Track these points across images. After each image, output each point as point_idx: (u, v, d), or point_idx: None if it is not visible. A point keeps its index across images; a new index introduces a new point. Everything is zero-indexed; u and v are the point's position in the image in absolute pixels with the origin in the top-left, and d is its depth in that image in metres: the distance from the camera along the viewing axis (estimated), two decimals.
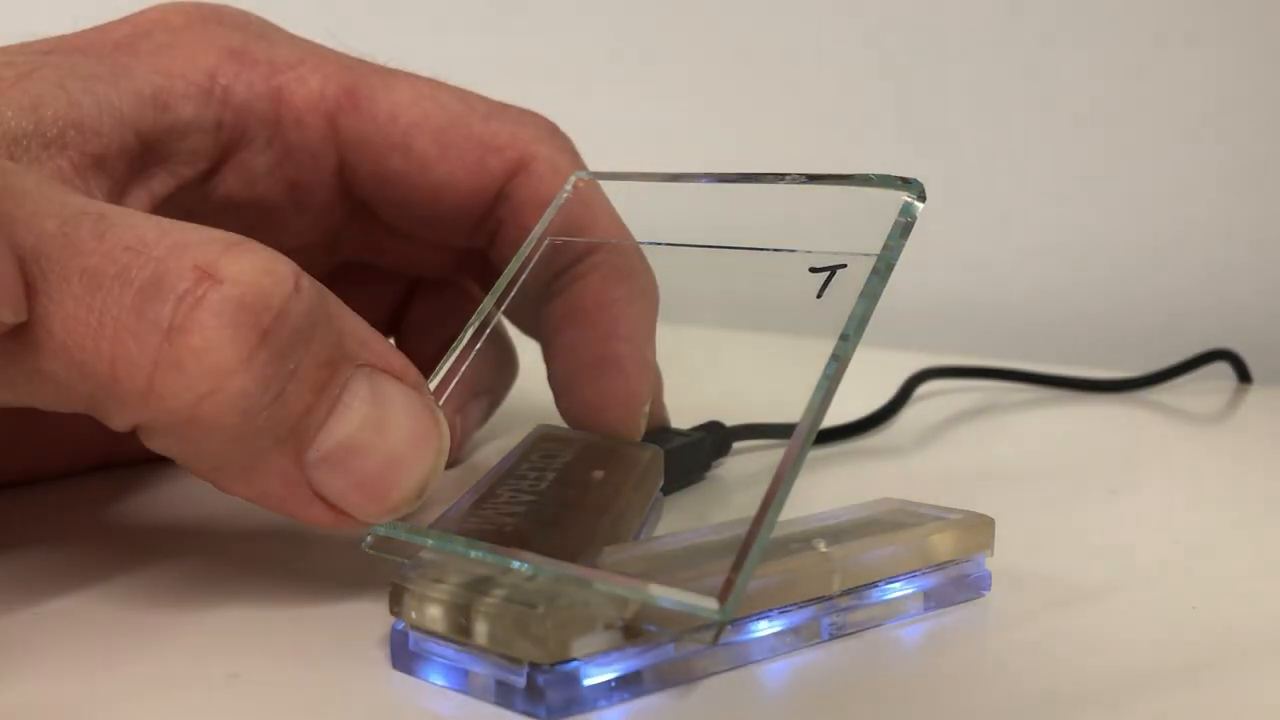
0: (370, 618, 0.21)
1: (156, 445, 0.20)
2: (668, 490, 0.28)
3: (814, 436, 0.19)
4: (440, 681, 0.19)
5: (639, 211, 0.28)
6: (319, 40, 0.29)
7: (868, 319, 0.20)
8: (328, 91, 0.27)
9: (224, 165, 0.27)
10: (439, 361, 0.24)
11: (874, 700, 0.19)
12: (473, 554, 0.19)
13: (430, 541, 0.20)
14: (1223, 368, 0.52)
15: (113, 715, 0.18)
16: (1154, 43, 0.61)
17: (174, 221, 0.20)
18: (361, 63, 0.28)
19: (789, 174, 0.23)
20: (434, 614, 0.19)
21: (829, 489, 0.32)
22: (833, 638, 0.21)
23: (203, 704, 0.18)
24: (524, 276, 0.25)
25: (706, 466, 0.32)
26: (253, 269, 0.19)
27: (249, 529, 0.26)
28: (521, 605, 0.18)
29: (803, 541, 0.22)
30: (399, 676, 0.19)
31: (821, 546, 0.21)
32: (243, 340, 0.18)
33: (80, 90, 0.23)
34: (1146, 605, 0.24)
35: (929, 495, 0.25)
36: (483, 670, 0.19)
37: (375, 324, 0.21)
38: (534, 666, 0.18)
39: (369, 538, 0.21)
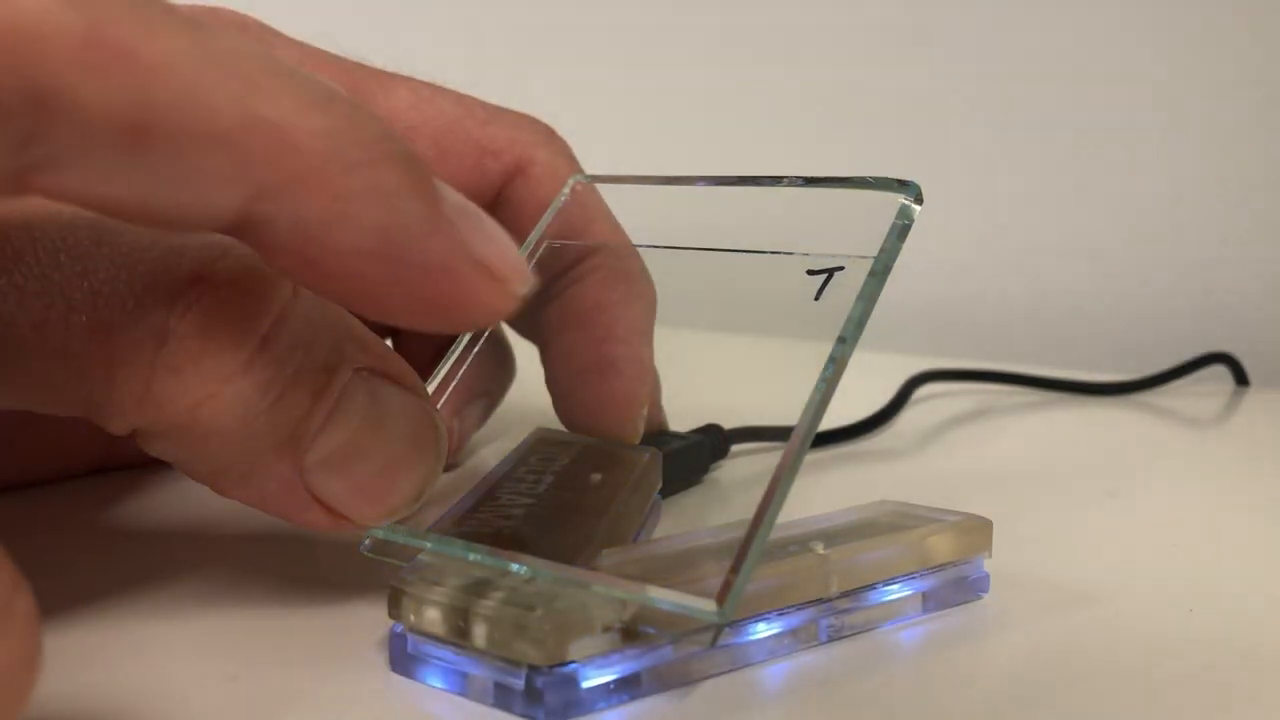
0: (369, 621, 0.21)
1: (154, 449, 0.20)
2: (666, 493, 0.28)
3: (812, 439, 0.19)
4: (439, 684, 0.19)
5: (636, 215, 0.28)
6: (317, 44, 0.29)
7: (865, 321, 0.20)
8: None
9: None
10: (436, 363, 0.24)
11: (872, 703, 0.19)
12: (471, 556, 0.19)
13: (429, 544, 0.20)
14: (1220, 371, 0.52)
15: (111, 718, 0.18)
16: (1152, 46, 0.61)
17: None
18: (360, 66, 0.28)
19: (786, 177, 0.23)
20: (432, 617, 0.19)
21: (827, 491, 0.32)
22: (831, 640, 0.21)
23: (202, 707, 0.18)
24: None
25: (705, 469, 0.32)
26: (250, 273, 0.19)
27: (247, 532, 0.26)
28: (520, 608, 0.18)
29: (801, 544, 0.22)
30: (398, 679, 0.19)
31: (820, 549, 0.21)
32: (241, 345, 0.18)
33: None
34: (1144, 607, 0.24)
35: (927, 497, 0.25)
36: (481, 673, 0.19)
37: (373, 327, 0.21)
38: (532, 669, 0.18)
39: (367, 540, 0.21)
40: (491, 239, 0.17)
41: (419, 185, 0.16)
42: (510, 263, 0.17)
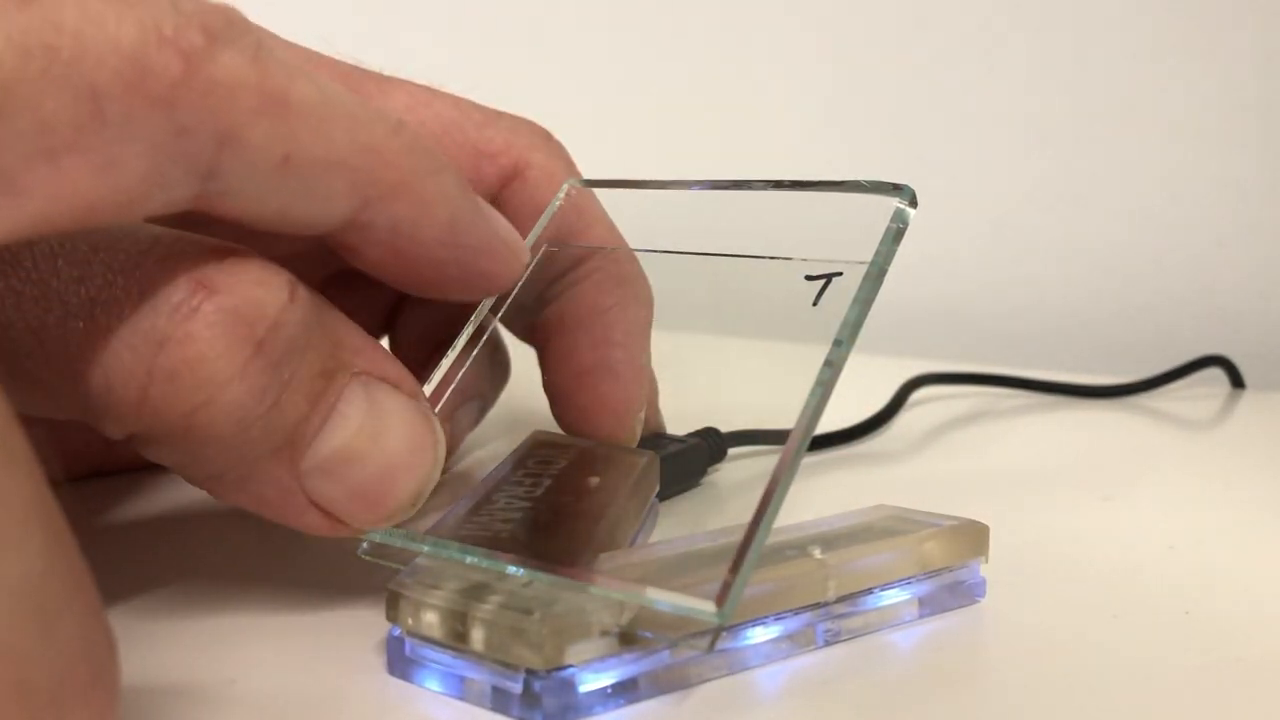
0: (367, 624, 0.21)
1: (151, 454, 0.20)
2: (663, 496, 0.28)
3: (808, 442, 0.19)
4: (437, 688, 0.19)
5: (633, 218, 0.28)
6: (314, 46, 0.28)
7: (861, 325, 0.20)
8: None
9: None
10: (431, 365, 0.24)
11: (869, 706, 0.19)
12: (469, 559, 0.19)
13: (426, 548, 0.20)
14: (1216, 373, 0.52)
15: None
16: (1148, 49, 0.61)
17: (168, 230, 0.20)
18: (356, 69, 0.28)
19: (780, 180, 0.23)
20: (430, 620, 0.19)
21: (824, 495, 0.32)
22: (828, 644, 0.21)
23: (200, 710, 0.18)
24: (519, 284, 0.25)
25: (702, 472, 0.32)
26: (247, 279, 0.19)
27: (245, 536, 0.26)
28: (517, 611, 0.18)
29: (798, 548, 0.22)
30: (396, 683, 0.19)
31: (817, 553, 0.21)
32: (237, 351, 0.18)
33: None
34: (1141, 610, 0.24)
35: (924, 501, 0.25)
36: (479, 676, 0.19)
37: (368, 330, 0.21)
38: (530, 673, 0.18)
39: (365, 544, 0.21)
40: (504, 223, 0.22)
41: (465, 186, 0.21)
42: (518, 238, 0.23)
